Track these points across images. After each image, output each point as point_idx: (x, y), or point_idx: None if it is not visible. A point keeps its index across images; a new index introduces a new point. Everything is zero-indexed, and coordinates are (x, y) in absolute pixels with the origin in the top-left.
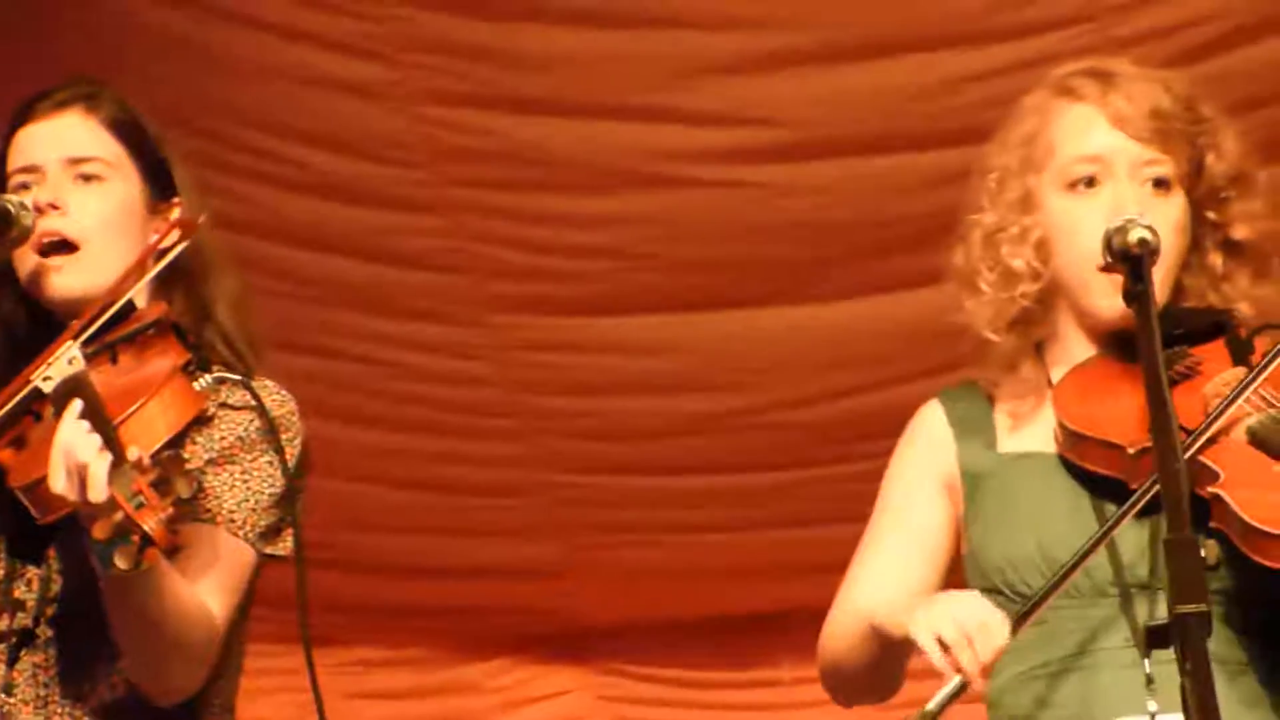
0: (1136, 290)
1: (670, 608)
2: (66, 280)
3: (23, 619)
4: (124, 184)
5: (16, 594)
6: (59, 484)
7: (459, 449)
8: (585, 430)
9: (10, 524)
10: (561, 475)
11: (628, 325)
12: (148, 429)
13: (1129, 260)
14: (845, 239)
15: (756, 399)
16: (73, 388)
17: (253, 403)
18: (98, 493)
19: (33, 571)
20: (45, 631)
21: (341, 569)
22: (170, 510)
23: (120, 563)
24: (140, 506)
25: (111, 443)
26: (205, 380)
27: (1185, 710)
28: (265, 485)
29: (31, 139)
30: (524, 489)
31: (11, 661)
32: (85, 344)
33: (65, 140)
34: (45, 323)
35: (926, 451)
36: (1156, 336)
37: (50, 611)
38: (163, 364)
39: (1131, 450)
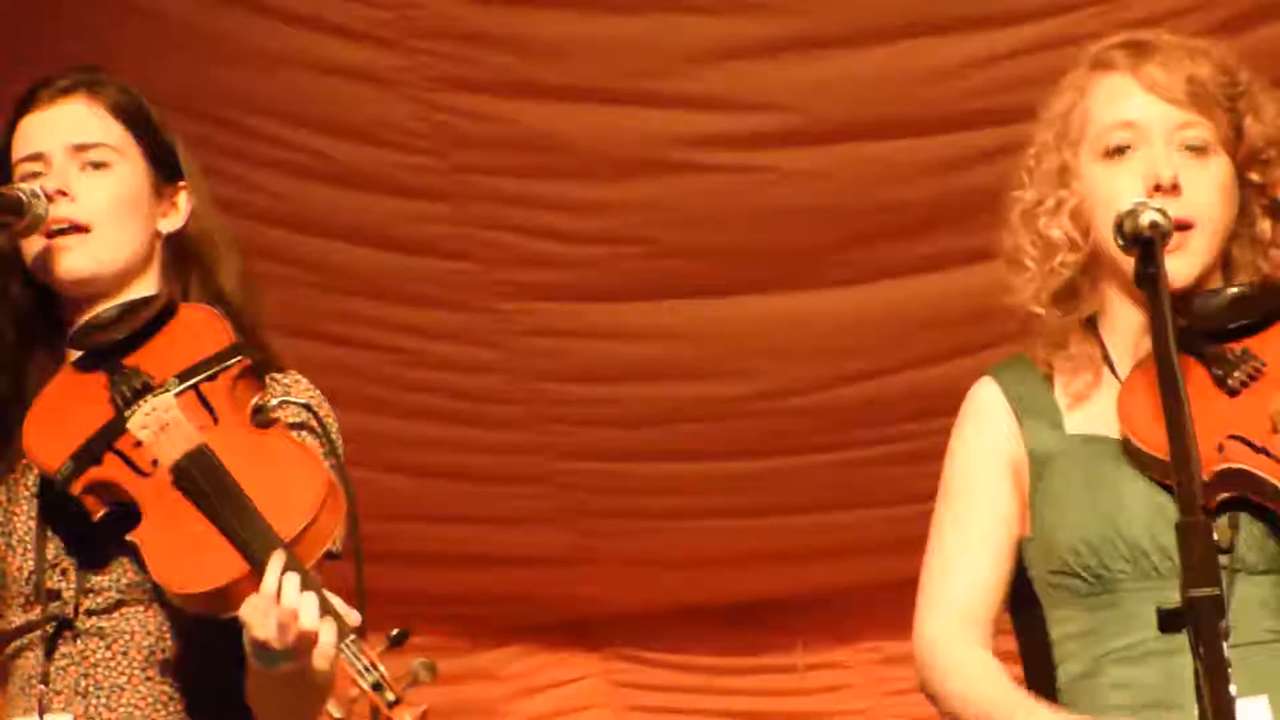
0: (1149, 274)
1: (682, 594)
2: (76, 260)
3: (57, 608)
4: (130, 168)
5: (50, 584)
6: (268, 635)
7: (468, 436)
8: (596, 416)
9: (53, 511)
10: (572, 462)
11: (637, 311)
12: (317, 544)
13: (1140, 243)
14: (854, 224)
15: (767, 384)
16: (203, 469)
17: (310, 419)
18: (325, 661)
19: (67, 561)
20: (83, 622)
21: (351, 557)
22: (425, 709)
23: None
24: (386, 696)
25: (328, 605)
26: (270, 404)
27: (1198, 694)
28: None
29: (36, 127)
30: (535, 475)
31: (49, 652)
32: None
33: (70, 127)
34: (52, 307)
35: (990, 433)
36: (1169, 322)
37: (87, 603)
38: (288, 447)
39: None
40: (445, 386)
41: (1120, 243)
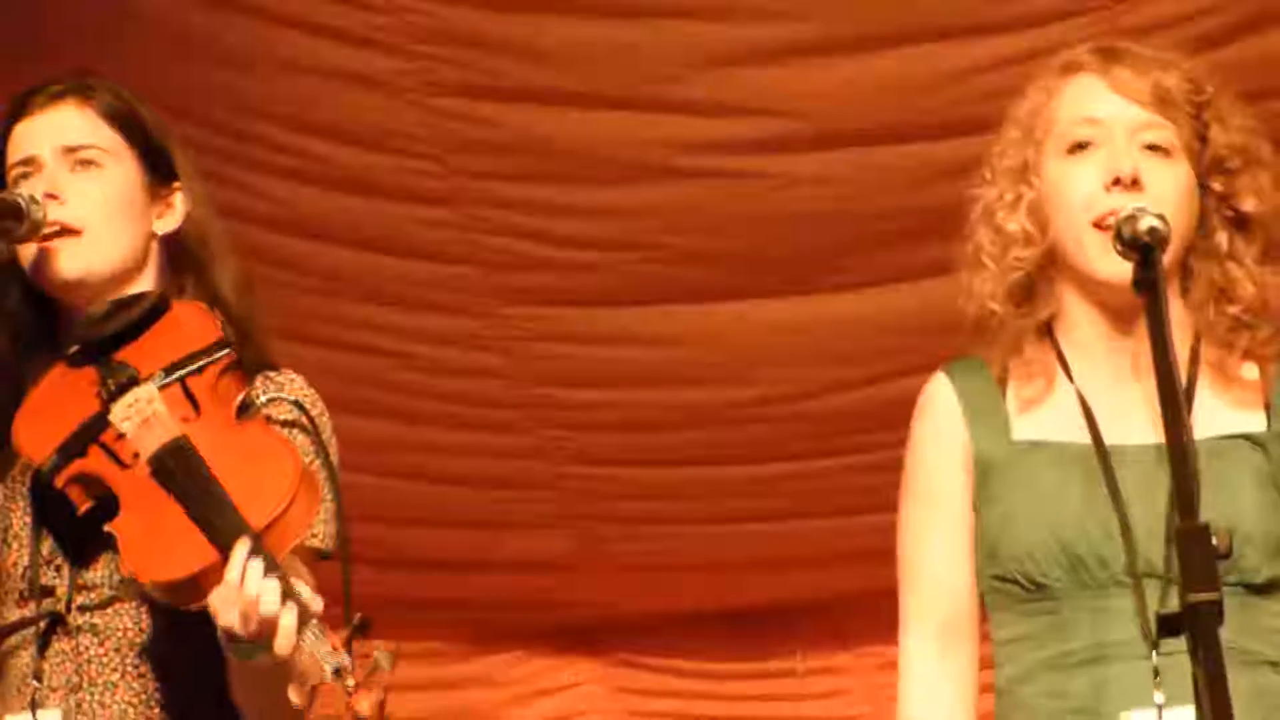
0: (1147, 278)
1: (684, 599)
2: (68, 263)
3: (51, 604)
4: (122, 170)
5: (44, 580)
6: (231, 622)
7: (470, 441)
8: (597, 422)
9: (47, 507)
10: (574, 467)
11: (639, 316)
12: (288, 534)
13: (1139, 249)
14: (855, 230)
15: (769, 390)
16: (180, 461)
17: (300, 417)
18: (286, 647)
19: (60, 557)
20: (76, 618)
21: (353, 562)
22: (383, 697)
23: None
24: (346, 682)
25: (290, 591)
26: (259, 400)
27: (1197, 699)
28: (327, 494)
29: (28, 132)
30: (537, 481)
31: (42, 648)
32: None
33: (61, 130)
34: (50, 316)
35: (944, 432)
36: (1168, 326)
37: (80, 599)
38: (266, 438)
39: None
40: (446, 391)
41: (1118, 248)
